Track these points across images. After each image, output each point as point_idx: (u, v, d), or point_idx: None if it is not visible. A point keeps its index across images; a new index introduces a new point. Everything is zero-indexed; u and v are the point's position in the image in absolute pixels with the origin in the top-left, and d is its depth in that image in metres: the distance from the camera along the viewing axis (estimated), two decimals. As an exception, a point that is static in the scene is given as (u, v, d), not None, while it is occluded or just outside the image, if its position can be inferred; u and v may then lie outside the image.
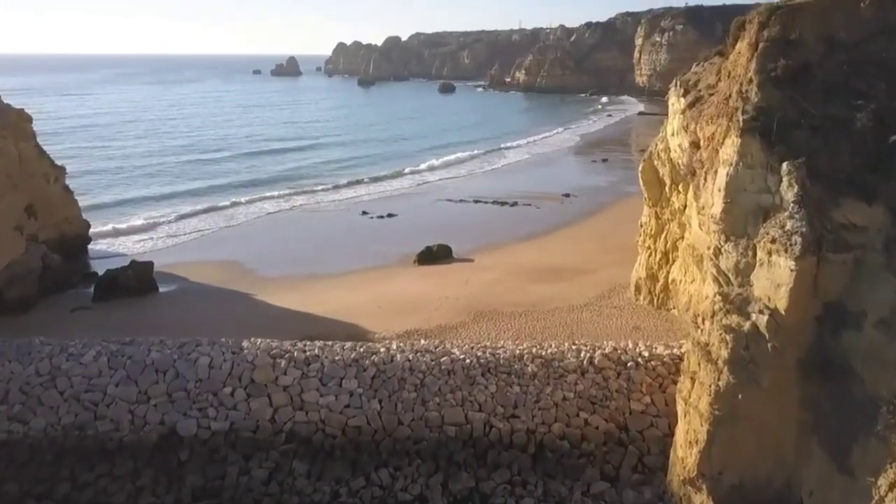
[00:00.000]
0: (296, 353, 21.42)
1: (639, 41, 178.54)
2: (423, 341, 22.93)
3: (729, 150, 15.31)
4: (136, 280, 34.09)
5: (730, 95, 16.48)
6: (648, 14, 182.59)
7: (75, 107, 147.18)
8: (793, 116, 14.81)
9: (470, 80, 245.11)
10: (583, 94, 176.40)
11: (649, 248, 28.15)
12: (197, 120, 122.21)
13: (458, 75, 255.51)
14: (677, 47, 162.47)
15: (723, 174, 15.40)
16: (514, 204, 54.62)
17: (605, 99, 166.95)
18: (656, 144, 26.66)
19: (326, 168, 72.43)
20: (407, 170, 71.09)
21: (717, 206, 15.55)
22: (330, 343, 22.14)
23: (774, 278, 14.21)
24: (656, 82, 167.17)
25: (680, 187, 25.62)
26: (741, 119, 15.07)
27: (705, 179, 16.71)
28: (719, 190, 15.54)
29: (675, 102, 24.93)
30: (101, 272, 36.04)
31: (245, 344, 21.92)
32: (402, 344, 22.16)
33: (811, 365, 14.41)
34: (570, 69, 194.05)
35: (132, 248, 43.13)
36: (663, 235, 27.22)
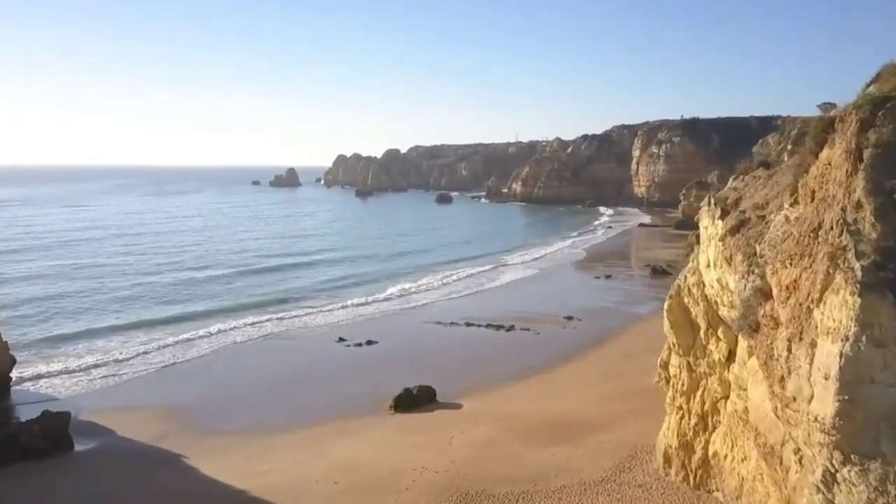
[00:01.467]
0: (193, 585, 14.87)
1: (636, 153, 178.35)
2: (378, 561, 16.37)
3: (838, 314, 9.69)
4: (44, 438, 27.69)
5: (819, 226, 11.02)
6: (644, 126, 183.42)
7: (65, 219, 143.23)
8: (941, 263, 9.25)
9: (467, 190, 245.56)
10: (580, 205, 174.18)
11: (681, 408, 21.95)
12: (188, 235, 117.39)
13: (456, 186, 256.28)
14: (675, 159, 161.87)
15: (831, 353, 9.67)
16: (511, 328, 48.68)
17: (603, 210, 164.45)
18: (685, 277, 21.07)
19: (309, 289, 66.52)
20: (395, 289, 65.54)
21: (827, 406, 9.72)
22: (245, 566, 15.61)
23: (947, 543, 8.09)
24: (655, 193, 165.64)
25: (720, 332, 19.81)
26: (858, 266, 9.52)
27: (789, 350, 11.00)
28: (826, 378, 9.76)
29: (710, 226, 19.56)
30: (22, 419, 30.10)
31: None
32: (346, 569, 15.61)
33: None
34: (568, 180, 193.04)
35: (64, 389, 36.72)
36: (699, 394, 21.13)
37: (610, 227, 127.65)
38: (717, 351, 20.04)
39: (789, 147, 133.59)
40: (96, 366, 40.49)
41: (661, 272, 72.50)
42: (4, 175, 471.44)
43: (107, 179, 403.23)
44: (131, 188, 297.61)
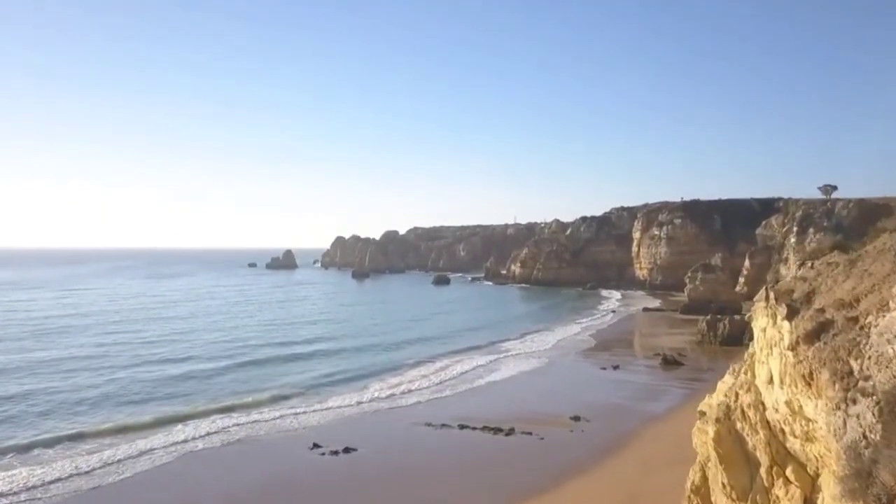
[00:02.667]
0: None
1: (636, 234, 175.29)
2: None
3: None
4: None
5: None
6: (644, 208, 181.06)
7: (48, 305, 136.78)
8: None
9: (466, 271, 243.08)
10: (581, 288, 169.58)
11: (737, 570, 16.42)
12: (175, 322, 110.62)
13: (454, 267, 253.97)
14: (677, 241, 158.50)
15: None
16: (511, 432, 42.93)
17: (606, 293, 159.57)
18: (737, 395, 16.01)
19: (294, 384, 60.02)
20: (384, 383, 59.76)
21: None
22: None
23: None
24: (658, 276, 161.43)
25: (789, 472, 14.60)
26: None
27: None
28: None
29: (770, 328, 14.68)
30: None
31: None
32: None
33: None
34: (567, 262, 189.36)
35: (-22, 513, 30.92)
36: (763, 554, 15.64)
37: (613, 311, 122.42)
38: (787, 498, 14.74)
39: (795, 228, 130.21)
40: (20, 489, 34.23)
41: (673, 362, 67.15)
42: (2, 257, 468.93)
43: (102, 262, 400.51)
44: (125, 270, 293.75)
